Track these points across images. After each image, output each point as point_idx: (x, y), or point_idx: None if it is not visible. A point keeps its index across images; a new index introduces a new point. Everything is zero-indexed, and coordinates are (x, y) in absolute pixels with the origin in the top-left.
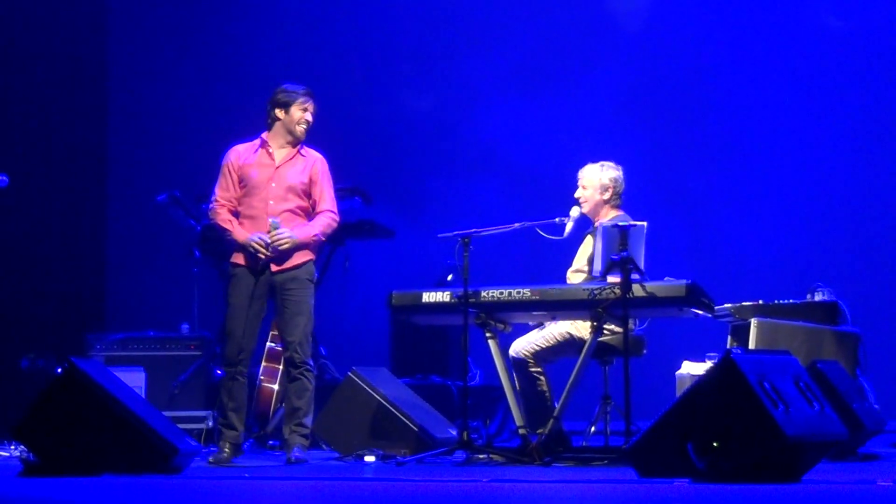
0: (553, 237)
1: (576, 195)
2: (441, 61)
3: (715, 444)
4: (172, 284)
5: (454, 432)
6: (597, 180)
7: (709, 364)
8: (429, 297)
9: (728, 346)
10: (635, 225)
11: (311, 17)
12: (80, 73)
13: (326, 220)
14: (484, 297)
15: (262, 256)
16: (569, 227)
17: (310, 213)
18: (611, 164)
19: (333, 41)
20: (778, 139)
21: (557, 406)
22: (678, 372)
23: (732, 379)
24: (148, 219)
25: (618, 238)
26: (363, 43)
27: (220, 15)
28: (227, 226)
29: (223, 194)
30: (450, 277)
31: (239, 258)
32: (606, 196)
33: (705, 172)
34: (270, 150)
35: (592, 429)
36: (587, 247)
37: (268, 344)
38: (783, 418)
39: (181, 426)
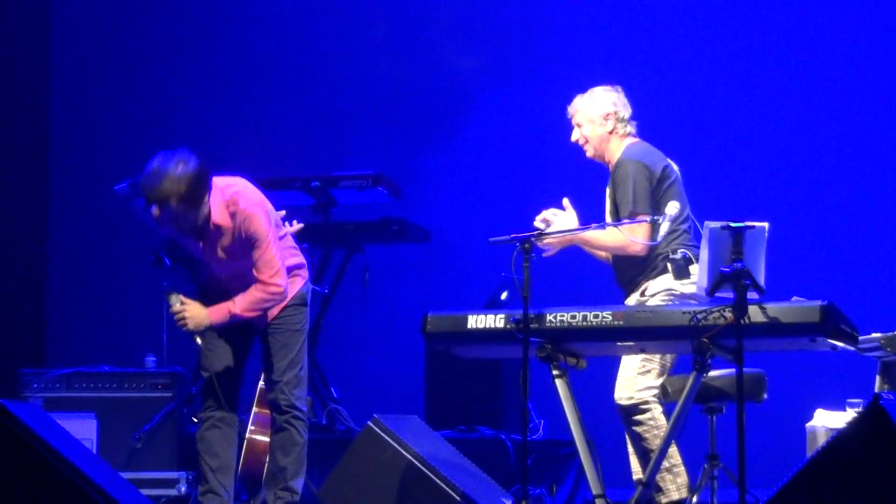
0: (644, 242)
1: (572, 139)
2: (497, 11)
3: None
4: (134, 304)
5: (509, 502)
6: (592, 111)
7: (851, 413)
8: (476, 321)
9: (876, 390)
10: (753, 226)
11: None
12: (15, 41)
13: (253, 295)
14: (550, 321)
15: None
16: (664, 228)
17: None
18: (600, 87)
19: None
20: None
21: (647, 469)
22: (809, 424)
23: (882, 433)
24: (102, 217)
25: (729, 244)
26: None
27: None
28: None
29: None
30: (504, 295)
31: None
32: (609, 126)
33: (844, 159)
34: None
35: (694, 498)
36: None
37: (260, 384)
38: None
39: (145, 492)
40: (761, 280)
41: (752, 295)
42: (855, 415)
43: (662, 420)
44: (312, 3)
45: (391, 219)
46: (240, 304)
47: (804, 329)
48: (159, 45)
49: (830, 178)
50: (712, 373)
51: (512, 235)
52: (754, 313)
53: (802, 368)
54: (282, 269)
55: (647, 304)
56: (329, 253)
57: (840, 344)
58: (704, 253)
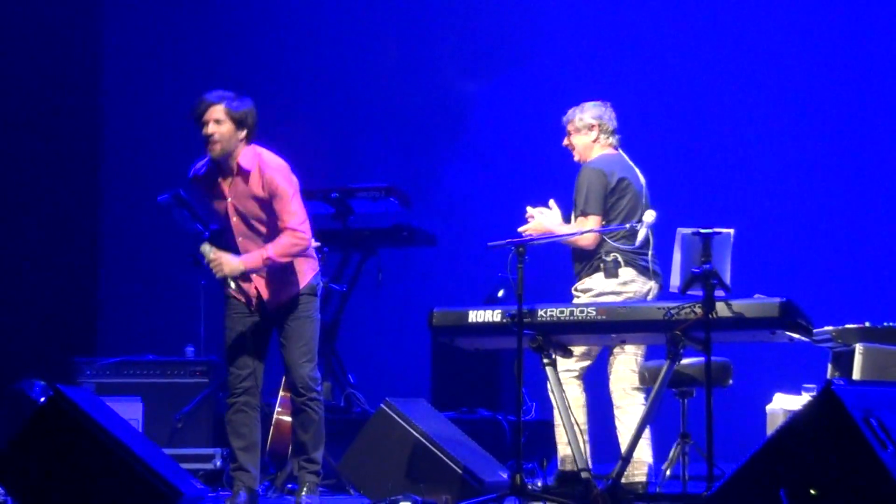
0: (625, 246)
1: (563, 143)
2: (494, 39)
3: (813, 492)
4: (175, 300)
5: (505, 475)
6: (580, 122)
7: (805, 397)
8: (476, 315)
9: (828, 377)
10: (720, 232)
11: None
12: (71, 66)
13: (285, 240)
14: (541, 316)
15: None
16: (641, 233)
17: None
18: (591, 102)
19: (361, 22)
20: (886, 136)
21: (626, 446)
22: (769, 406)
23: (833, 415)
24: (147, 223)
25: (699, 247)
26: (399, 20)
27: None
28: None
29: None
30: (501, 293)
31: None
32: (593, 137)
33: (799, 170)
34: (219, 179)
35: (668, 472)
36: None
37: None
38: (893, 461)
39: (185, 466)
40: (727, 279)
41: (719, 293)
42: (809, 399)
43: (578, 395)
44: (333, 38)
45: (402, 226)
46: (272, 249)
47: (765, 323)
48: (199, 66)
49: (789, 188)
50: (684, 361)
51: (508, 240)
52: (721, 309)
53: (763, 357)
54: (306, 221)
55: (578, 300)
56: (347, 256)
57: (797, 336)
58: (677, 255)
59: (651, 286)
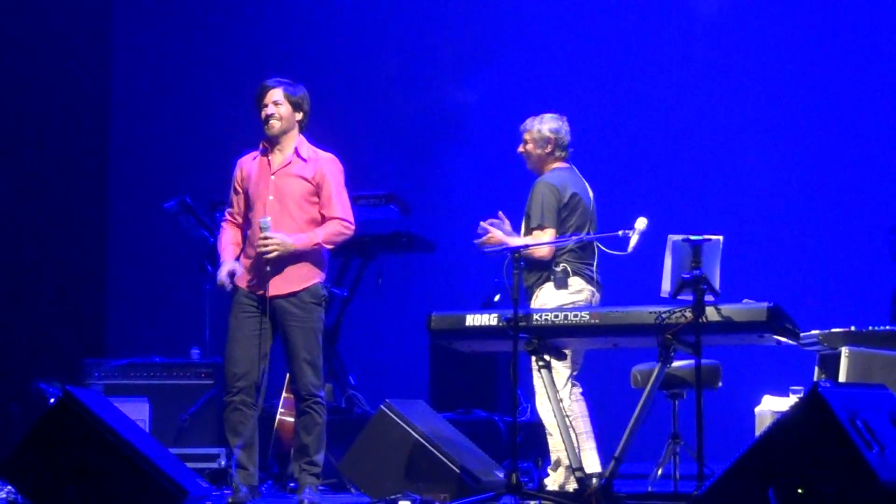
0: (616, 252)
1: (518, 150)
2: (489, 50)
3: (800, 491)
4: (181, 304)
5: (501, 474)
6: (536, 133)
7: (793, 399)
8: (473, 319)
9: (815, 379)
10: (709, 239)
11: (334, 7)
12: (80, 73)
13: (334, 227)
14: (536, 320)
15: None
16: (633, 240)
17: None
18: (550, 115)
19: (361, 33)
20: (871, 143)
21: (619, 446)
22: (758, 408)
23: (820, 416)
24: (154, 229)
25: (689, 254)
26: (396, 31)
27: (233, 10)
28: (220, 251)
29: (231, 209)
30: (497, 298)
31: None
32: (548, 149)
33: (786, 179)
34: (269, 157)
35: (659, 471)
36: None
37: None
38: (878, 461)
39: (191, 465)
40: (717, 285)
41: (708, 298)
42: (797, 400)
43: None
44: (332, 49)
45: (401, 232)
46: (321, 235)
47: (753, 327)
48: (206, 74)
49: (776, 196)
50: (675, 364)
51: (504, 247)
52: (711, 313)
53: (752, 360)
54: (350, 211)
55: None
56: (348, 261)
57: (784, 339)
58: (668, 261)
59: (596, 295)
